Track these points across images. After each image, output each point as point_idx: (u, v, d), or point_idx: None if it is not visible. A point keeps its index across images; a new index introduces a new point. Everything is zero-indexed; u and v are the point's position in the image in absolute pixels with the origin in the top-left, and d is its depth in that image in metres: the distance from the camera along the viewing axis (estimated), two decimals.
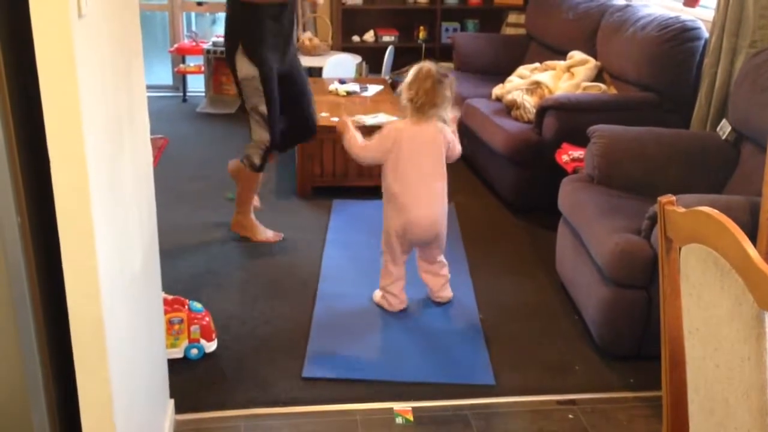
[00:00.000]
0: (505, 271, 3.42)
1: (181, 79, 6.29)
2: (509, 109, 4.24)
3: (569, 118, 3.74)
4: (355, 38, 6.22)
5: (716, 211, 1.23)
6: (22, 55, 1.26)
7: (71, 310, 1.39)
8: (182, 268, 3.34)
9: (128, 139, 1.74)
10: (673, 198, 1.43)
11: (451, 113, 2.95)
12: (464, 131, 4.31)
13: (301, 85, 3.63)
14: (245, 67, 3.33)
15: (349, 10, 6.08)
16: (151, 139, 2.12)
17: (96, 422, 1.48)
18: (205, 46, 5.95)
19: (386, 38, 6.15)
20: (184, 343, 2.64)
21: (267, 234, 3.65)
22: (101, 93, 1.46)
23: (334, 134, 3.98)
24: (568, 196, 3.12)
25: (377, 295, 3.09)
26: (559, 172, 3.43)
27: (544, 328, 2.96)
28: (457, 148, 2.98)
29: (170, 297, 2.68)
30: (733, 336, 1.19)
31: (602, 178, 3.09)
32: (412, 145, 2.88)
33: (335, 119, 4.13)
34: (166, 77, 6.59)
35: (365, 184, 4.14)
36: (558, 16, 4.86)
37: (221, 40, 3.46)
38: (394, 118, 4.06)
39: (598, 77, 4.23)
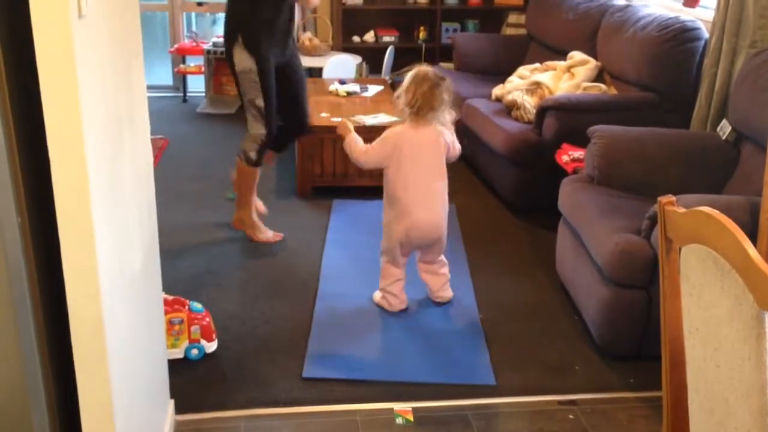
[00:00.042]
0: (505, 271, 3.42)
1: (181, 79, 6.29)
2: (509, 109, 4.24)
3: (569, 119, 3.74)
4: (356, 38, 6.22)
5: (716, 211, 1.23)
6: (22, 55, 1.26)
7: (71, 310, 1.39)
8: (182, 268, 3.34)
9: (128, 139, 1.74)
10: (673, 198, 1.43)
11: (449, 116, 2.96)
12: (464, 131, 4.32)
13: (298, 81, 3.63)
14: (243, 60, 3.33)
15: (349, 11, 6.08)
16: (152, 140, 2.12)
17: (96, 422, 1.48)
18: (206, 46, 5.95)
19: (386, 38, 6.15)
20: (185, 344, 2.64)
21: (267, 234, 3.65)
22: (101, 93, 1.46)
23: (334, 134, 3.97)
24: (568, 196, 3.12)
25: (377, 295, 3.09)
26: (559, 173, 3.43)
27: (545, 328, 2.96)
28: (457, 147, 2.99)
29: (170, 297, 2.68)
30: (733, 336, 1.19)
31: (602, 179, 3.09)
32: (413, 149, 2.89)
33: (336, 119, 4.13)
34: (166, 77, 6.59)
35: (365, 184, 4.14)
36: (558, 17, 4.86)
37: (221, 40, 3.46)
38: (394, 119, 4.06)
39: (598, 77, 4.23)
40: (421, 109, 2.85)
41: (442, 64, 5.86)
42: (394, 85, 5.04)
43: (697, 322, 1.32)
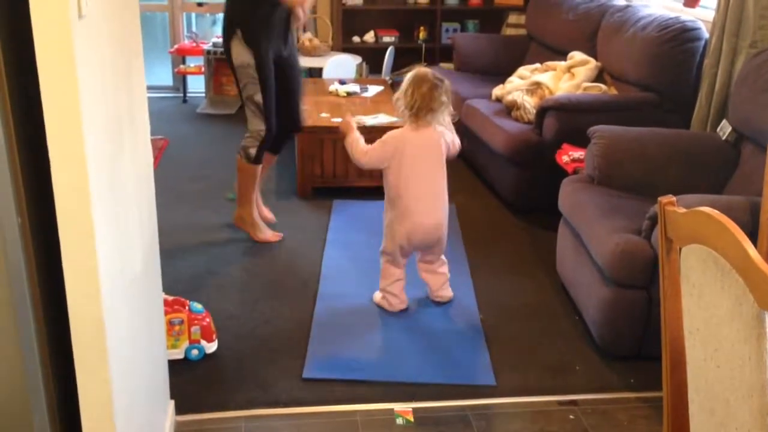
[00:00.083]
0: (506, 271, 3.42)
1: (181, 79, 6.29)
2: (509, 109, 4.24)
3: (569, 119, 3.74)
4: (356, 39, 6.22)
5: (716, 211, 1.23)
6: (22, 55, 1.26)
7: (71, 310, 1.39)
8: (182, 268, 3.34)
9: (128, 140, 1.74)
10: (674, 198, 1.43)
11: (449, 117, 2.96)
12: (464, 132, 4.32)
13: (295, 79, 3.63)
14: (241, 54, 3.33)
15: (349, 11, 6.08)
16: (152, 140, 2.12)
17: (96, 422, 1.48)
18: (205, 46, 5.95)
19: (386, 39, 6.15)
20: (185, 344, 2.64)
21: (266, 233, 3.65)
22: (101, 93, 1.46)
23: (334, 134, 3.99)
24: (569, 196, 3.12)
25: (377, 296, 3.09)
26: (560, 173, 3.43)
27: (545, 328, 2.96)
28: (457, 144, 3.00)
29: (171, 298, 2.68)
30: (733, 336, 1.19)
31: (602, 179, 3.09)
32: (414, 151, 2.89)
33: (336, 120, 4.13)
34: (166, 78, 6.59)
35: (365, 185, 4.14)
36: (558, 17, 4.86)
37: (221, 40, 3.46)
38: (394, 119, 4.07)
39: (598, 78, 4.23)
40: (421, 110, 2.86)
41: (442, 65, 5.86)
42: (394, 86, 5.04)
43: (697, 323, 1.32)
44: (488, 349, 2.79)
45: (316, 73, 5.70)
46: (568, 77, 4.28)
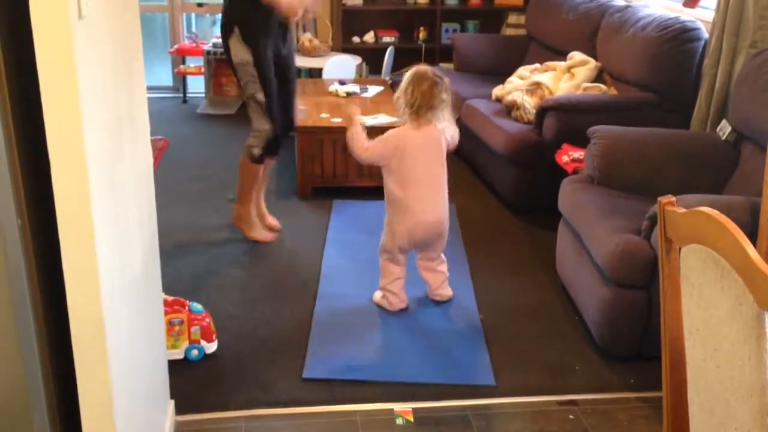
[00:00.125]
0: (506, 271, 3.42)
1: (181, 80, 6.29)
2: (509, 109, 4.24)
3: (569, 119, 3.74)
4: (356, 39, 6.22)
5: (716, 211, 1.23)
6: (22, 56, 1.26)
7: (71, 310, 1.39)
8: (182, 268, 3.34)
9: (128, 140, 1.74)
10: (673, 198, 1.43)
11: (449, 116, 2.96)
12: (464, 132, 4.32)
13: (292, 78, 3.63)
14: (240, 52, 3.33)
15: (349, 11, 6.08)
16: (152, 140, 2.12)
17: (96, 422, 1.48)
18: (205, 47, 5.95)
19: (386, 39, 6.15)
20: (185, 344, 2.64)
21: (262, 234, 3.65)
22: (101, 93, 1.46)
23: (334, 135, 4.00)
24: (569, 196, 3.12)
25: (377, 295, 3.09)
26: (559, 173, 3.43)
27: (545, 328, 2.96)
28: (456, 137, 3.00)
29: (170, 298, 2.68)
30: (733, 336, 1.19)
31: (602, 179, 3.09)
32: (414, 149, 2.89)
33: (336, 120, 4.14)
34: (166, 78, 6.59)
35: (365, 185, 4.14)
36: (558, 17, 4.86)
37: (221, 41, 3.46)
38: (394, 119, 4.06)
39: (598, 78, 4.23)
40: (421, 108, 2.86)
41: (442, 65, 5.86)
42: (393, 86, 5.04)
43: (697, 323, 1.32)
44: (488, 350, 2.79)
45: (315, 73, 5.70)
46: (567, 77, 4.28)
